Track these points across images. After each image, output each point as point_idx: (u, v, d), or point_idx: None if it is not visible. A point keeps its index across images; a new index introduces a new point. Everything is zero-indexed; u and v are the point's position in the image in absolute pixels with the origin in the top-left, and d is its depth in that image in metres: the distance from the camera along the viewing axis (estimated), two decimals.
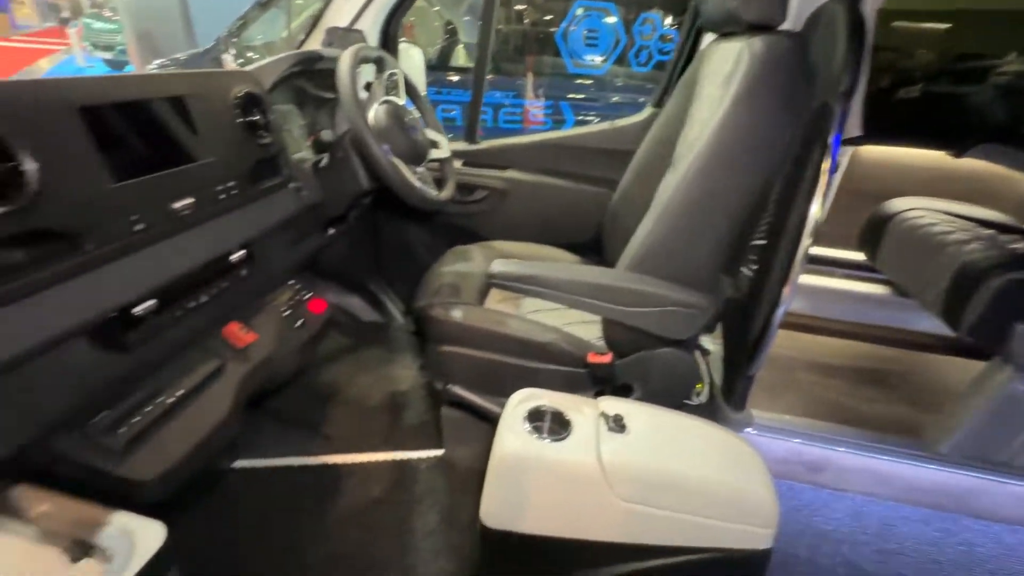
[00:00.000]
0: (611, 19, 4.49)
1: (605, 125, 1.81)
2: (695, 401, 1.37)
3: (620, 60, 4.56)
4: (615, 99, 4.53)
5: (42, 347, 0.66)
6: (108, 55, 6.02)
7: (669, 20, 4.43)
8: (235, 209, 0.98)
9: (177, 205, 0.84)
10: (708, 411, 1.43)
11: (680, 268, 1.04)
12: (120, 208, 0.75)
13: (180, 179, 0.85)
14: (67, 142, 0.69)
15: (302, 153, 1.41)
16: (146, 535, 0.51)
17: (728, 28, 1.23)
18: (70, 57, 5.25)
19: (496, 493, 0.97)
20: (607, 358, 1.16)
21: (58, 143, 0.68)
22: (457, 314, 1.26)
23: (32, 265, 0.64)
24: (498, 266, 1.08)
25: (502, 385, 1.26)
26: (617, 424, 0.94)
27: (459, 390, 1.26)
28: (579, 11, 4.46)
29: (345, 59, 1.19)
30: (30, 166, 0.63)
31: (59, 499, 0.53)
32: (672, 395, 1.17)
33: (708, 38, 1.56)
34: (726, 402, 1.38)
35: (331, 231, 1.56)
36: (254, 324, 1.06)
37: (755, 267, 1.31)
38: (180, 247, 0.86)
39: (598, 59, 4.57)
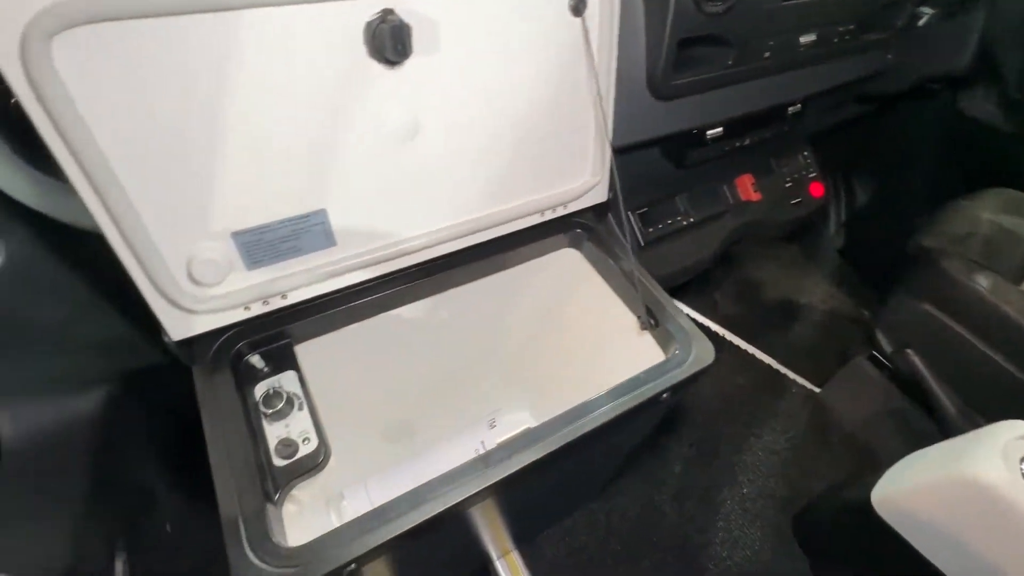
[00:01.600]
0: None
1: None
2: None
3: None
4: None
5: (658, 140, 0.76)
6: None
7: None
8: (832, 57, 0.86)
9: (803, 40, 0.78)
10: None
11: None
12: (767, 33, 0.72)
13: (822, 9, 0.76)
14: None
15: None
16: (702, 347, 0.59)
17: None
18: None
19: (917, 497, 0.83)
20: None
21: None
22: (983, 283, 0.96)
23: (699, 67, 0.70)
24: None
25: (986, 396, 0.99)
26: None
27: (919, 363, 1.04)
28: None
29: None
30: None
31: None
32: None
33: None
34: None
35: (854, 108, 1.31)
36: (761, 184, 1.02)
37: None
38: (772, 85, 0.82)
39: None
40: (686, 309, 1.50)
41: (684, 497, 1.14)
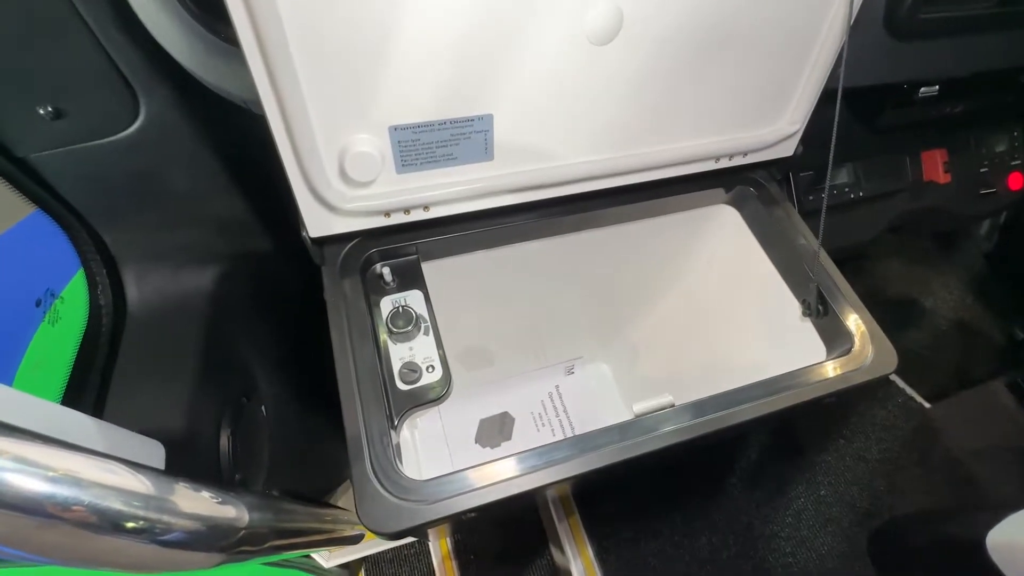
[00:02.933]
0: None
1: None
2: None
3: None
4: None
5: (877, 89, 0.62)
6: None
7: None
8: None
9: None
10: None
11: None
12: None
13: None
14: None
15: None
16: (884, 350, 0.50)
17: None
18: None
19: None
20: None
21: None
22: None
23: (957, 1, 0.54)
24: None
25: None
26: None
27: None
28: None
29: None
30: None
31: None
32: None
33: None
34: None
35: None
36: (953, 164, 0.85)
37: None
38: None
39: None
40: None
41: (756, 484, 1.09)
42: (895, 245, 1.49)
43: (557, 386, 1.08)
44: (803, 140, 0.63)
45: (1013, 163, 0.91)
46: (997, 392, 1.11)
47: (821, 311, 0.54)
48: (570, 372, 1.08)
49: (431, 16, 0.36)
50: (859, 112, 0.73)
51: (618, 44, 0.41)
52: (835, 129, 0.46)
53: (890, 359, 0.50)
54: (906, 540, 0.98)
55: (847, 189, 0.78)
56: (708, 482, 1.07)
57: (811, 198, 0.76)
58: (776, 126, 0.53)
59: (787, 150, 0.57)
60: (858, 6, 0.46)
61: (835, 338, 0.53)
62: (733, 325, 0.67)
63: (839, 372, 0.48)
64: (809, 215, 0.78)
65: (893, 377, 1.25)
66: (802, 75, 0.50)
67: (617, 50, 0.42)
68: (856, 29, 0.53)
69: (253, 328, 0.73)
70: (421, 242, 0.52)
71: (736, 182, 0.61)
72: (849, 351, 0.50)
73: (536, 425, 1.04)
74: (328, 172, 0.40)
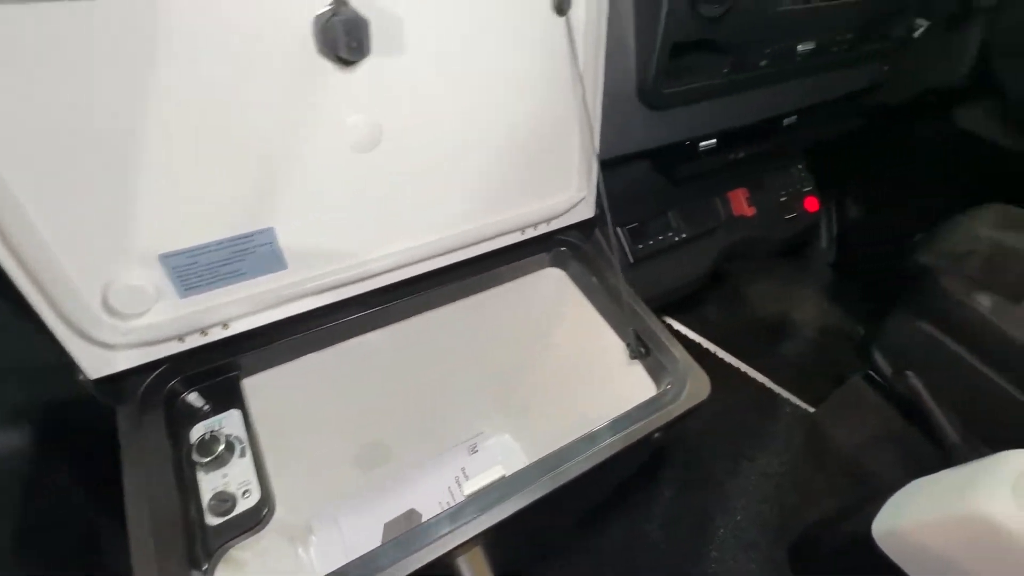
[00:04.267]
0: None
1: None
2: None
3: None
4: None
5: (649, 153, 0.71)
6: None
7: None
8: (830, 68, 0.82)
9: (800, 48, 0.73)
10: None
11: None
12: (764, 39, 0.68)
13: (821, 17, 0.72)
14: None
15: None
16: (697, 380, 0.54)
17: None
18: None
19: (921, 531, 0.78)
20: None
21: None
22: (984, 303, 0.92)
23: (693, 75, 0.65)
24: None
25: (990, 422, 0.95)
26: None
27: (920, 386, 1.00)
28: None
29: None
30: None
31: None
32: None
33: None
34: None
35: (852, 121, 1.28)
36: (755, 199, 0.98)
37: None
38: (769, 95, 0.78)
39: None
40: (677, 325, 1.46)
41: (675, 524, 1.09)
42: (758, 269, 1.66)
43: (463, 468, 1.04)
44: (623, 197, 0.71)
45: (805, 189, 1.07)
46: (859, 386, 1.22)
47: (643, 352, 0.58)
48: (474, 451, 1.05)
49: (181, 137, 0.37)
50: (661, 168, 0.83)
51: (386, 148, 0.45)
52: (603, 195, 0.52)
53: (704, 387, 0.54)
54: (817, 548, 1.01)
55: (671, 234, 0.87)
56: (626, 533, 1.05)
57: (640, 247, 0.84)
58: (567, 195, 0.60)
59: (586, 212, 0.63)
60: (598, 93, 0.54)
61: (659, 374, 0.57)
62: (589, 374, 0.70)
63: (662, 407, 0.51)
64: (641, 262, 0.86)
65: (778, 389, 1.35)
66: (573, 150, 0.57)
67: (386, 154, 0.46)
68: (617, 105, 0.62)
69: (86, 479, 0.65)
70: (240, 356, 0.51)
71: (553, 245, 0.66)
72: (670, 386, 0.54)
73: None
74: (93, 309, 0.39)
